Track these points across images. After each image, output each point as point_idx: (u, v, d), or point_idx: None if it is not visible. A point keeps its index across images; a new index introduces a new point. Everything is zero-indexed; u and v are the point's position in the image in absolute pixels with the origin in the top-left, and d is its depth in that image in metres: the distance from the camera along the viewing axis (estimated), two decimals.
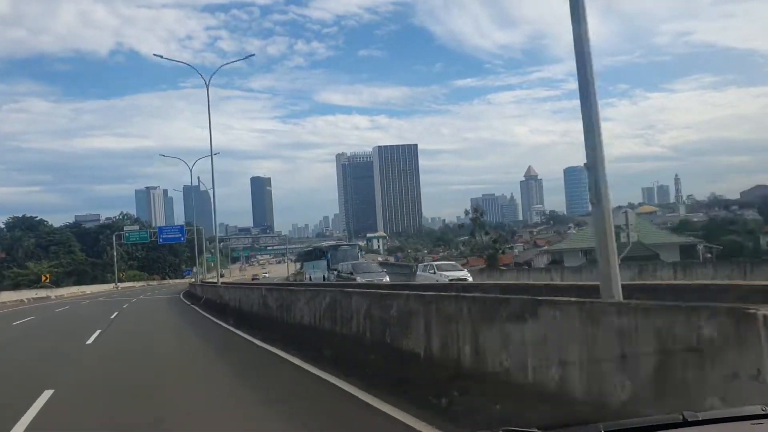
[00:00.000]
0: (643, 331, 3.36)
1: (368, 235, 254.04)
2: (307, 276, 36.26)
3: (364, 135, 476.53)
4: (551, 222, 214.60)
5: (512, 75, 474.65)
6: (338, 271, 26.01)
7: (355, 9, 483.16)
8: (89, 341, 13.20)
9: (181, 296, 40.67)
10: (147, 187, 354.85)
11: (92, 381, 8.25)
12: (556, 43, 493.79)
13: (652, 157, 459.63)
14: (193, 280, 73.48)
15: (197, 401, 6.52)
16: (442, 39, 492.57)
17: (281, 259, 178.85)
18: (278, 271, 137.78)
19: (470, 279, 21.64)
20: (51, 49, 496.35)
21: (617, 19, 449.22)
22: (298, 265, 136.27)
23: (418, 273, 24.62)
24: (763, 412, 1.80)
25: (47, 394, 6.95)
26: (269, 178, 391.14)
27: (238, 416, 5.74)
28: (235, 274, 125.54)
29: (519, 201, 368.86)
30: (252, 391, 6.82)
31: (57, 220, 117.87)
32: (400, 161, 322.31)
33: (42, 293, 51.92)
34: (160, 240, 78.75)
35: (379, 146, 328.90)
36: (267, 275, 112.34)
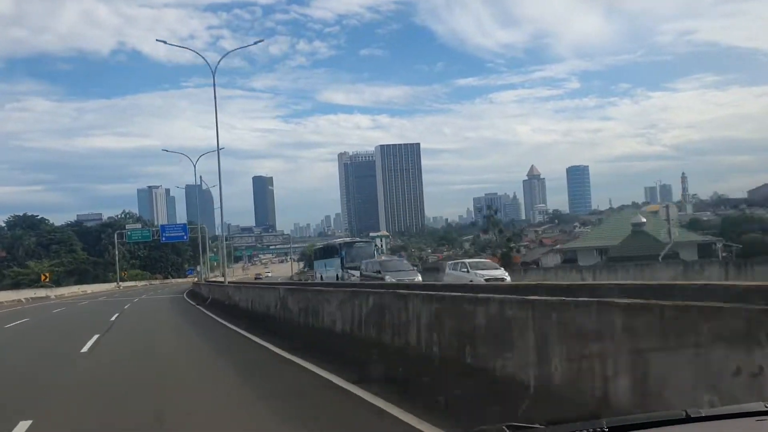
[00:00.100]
0: None
1: (371, 234, 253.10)
2: (318, 275, 34.55)
3: (366, 134, 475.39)
4: (556, 221, 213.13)
5: (514, 74, 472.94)
6: (362, 270, 23.85)
7: (357, 8, 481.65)
8: (84, 349, 11.59)
9: (185, 296, 39.19)
10: (149, 186, 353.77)
11: (83, 406, 6.63)
12: (558, 42, 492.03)
13: (654, 156, 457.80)
14: (196, 279, 72.18)
15: None
16: (443, 38, 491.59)
17: (284, 258, 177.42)
18: (281, 270, 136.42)
19: (508, 279, 19.83)
20: (53, 49, 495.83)
21: (620, 18, 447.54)
22: (301, 264, 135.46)
23: (448, 272, 22.45)
24: (766, 409, 1.78)
25: (23, 426, 5.39)
26: (271, 178, 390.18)
27: None
28: (238, 273, 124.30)
29: (522, 200, 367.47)
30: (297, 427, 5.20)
31: (59, 220, 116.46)
32: (403, 160, 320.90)
33: (41, 293, 50.43)
34: (163, 238, 77.32)
35: (381, 145, 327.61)
36: (270, 274, 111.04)
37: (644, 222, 52.86)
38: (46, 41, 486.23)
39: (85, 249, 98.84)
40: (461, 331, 5.20)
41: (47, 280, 57.08)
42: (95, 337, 13.80)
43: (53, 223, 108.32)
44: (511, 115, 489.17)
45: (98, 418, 5.94)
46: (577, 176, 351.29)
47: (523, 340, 4.31)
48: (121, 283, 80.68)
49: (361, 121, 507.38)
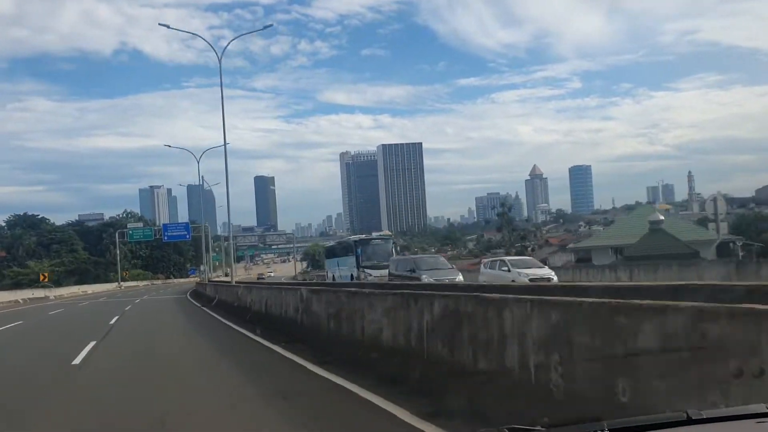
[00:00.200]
0: None
1: (373, 233, 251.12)
2: (330, 275, 32.75)
3: (368, 134, 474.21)
4: (561, 220, 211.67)
5: (516, 74, 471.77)
6: (391, 270, 21.64)
7: (358, 8, 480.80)
8: (77, 360, 9.93)
9: (189, 296, 37.60)
10: (151, 186, 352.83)
11: None
12: (559, 42, 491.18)
13: (656, 156, 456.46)
14: (199, 279, 70.68)
15: None
16: (445, 38, 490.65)
17: (286, 258, 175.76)
18: (283, 270, 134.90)
19: (555, 279, 17.98)
20: (55, 49, 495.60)
21: (621, 17, 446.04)
22: (304, 264, 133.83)
23: (483, 271, 20.50)
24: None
25: None
26: (273, 178, 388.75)
27: None
28: (240, 273, 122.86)
29: (524, 200, 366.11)
30: None
31: (61, 220, 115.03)
32: (405, 160, 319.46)
33: (40, 293, 48.83)
34: (165, 238, 75.81)
35: (383, 145, 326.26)
36: (272, 274, 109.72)
37: (662, 219, 51.34)
38: (47, 41, 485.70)
39: (86, 249, 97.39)
40: (609, 354, 3.56)
41: (46, 280, 55.52)
42: (91, 344, 12.16)
43: (54, 223, 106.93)
44: (512, 115, 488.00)
45: None
46: (580, 176, 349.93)
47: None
48: (122, 283, 79.28)
49: (362, 121, 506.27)
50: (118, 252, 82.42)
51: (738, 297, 5.11)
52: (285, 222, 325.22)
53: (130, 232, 78.89)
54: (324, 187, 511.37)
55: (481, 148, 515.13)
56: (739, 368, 2.82)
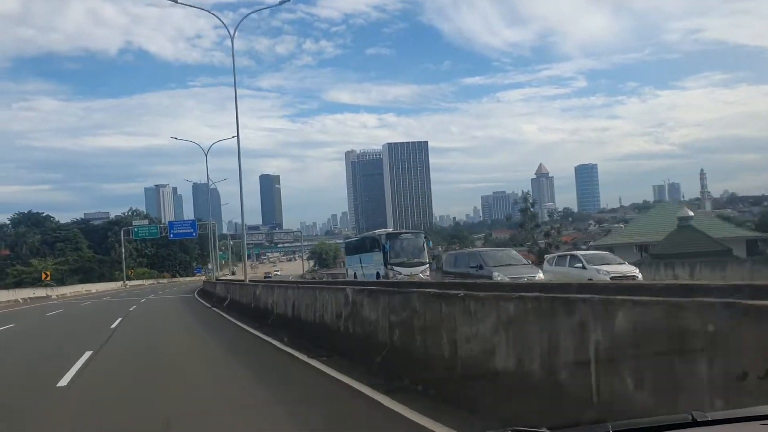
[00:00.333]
0: None
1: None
2: (351, 273, 30.42)
3: (373, 133, 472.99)
4: (570, 219, 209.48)
5: (521, 73, 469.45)
6: (445, 268, 18.35)
7: (363, 7, 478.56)
8: (63, 381, 7.68)
9: (197, 296, 35.53)
10: (156, 185, 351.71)
11: None
12: (565, 40, 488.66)
13: (662, 155, 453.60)
14: (205, 278, 68.73)
15: None
16: (450, 37, 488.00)
17: (291, 257, 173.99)
18: (290, 268, 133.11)
19: (640, 277, 15.47)
20: (60, 48, 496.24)
21: (627, 16, 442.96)
22: (311, 262, 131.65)
23: (548, 268, 17.28)
24: None
25: None
26: (278, 176, 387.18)
27: None
28: (247, 271, 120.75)
29: (530, 199, 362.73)
30: None
31: (66, 219, 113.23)
32: (411, 158, 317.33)
33: (41, 292, 46.85)
34: (171, 235, 73.84)
35: (389, 143, 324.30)
36: (279, 273, 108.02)
37: (692, 216, 49.30)
38: (53, 40, 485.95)
39: (91, 247, 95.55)
40: None
41: (48, 278, 53.54)
42: (85, 356, 10.00)
43: (58, 221, 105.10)
44: (518, 114, 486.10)
45: None
46: (586, 175, 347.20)
47: None
48: (127, 282, 77.54)
49: (367, 120, 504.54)
50: (123, 250, 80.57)
51: None
52: (290, 221, 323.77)
53: (136, 229, 76.97)
54: (329, 186, 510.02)
55: (486, 147, 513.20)
56: None
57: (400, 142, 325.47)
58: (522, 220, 49.03)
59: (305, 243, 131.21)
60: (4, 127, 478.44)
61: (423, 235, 28.49)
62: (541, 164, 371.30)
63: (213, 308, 22.93)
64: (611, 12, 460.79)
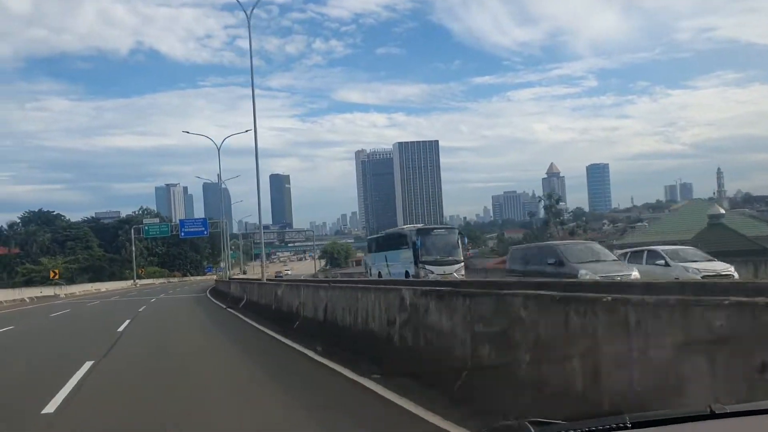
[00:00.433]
0: None
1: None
2: (375, 272, 28.56)
3: (382, 133, 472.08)
4: (583, 218, 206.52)
5: (531, 72, 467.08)
6: (511, 265, 15.40)
7: (374, 7, 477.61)
8: (49, 407, 5.93)
9: (209, 295, 33.99)
10: (167, 184, 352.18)
11: None
12: (575, 39, 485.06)
13: (673, 154, 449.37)
14: (216, 277, 67.37)
15: None
16: (460, 36, 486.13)
17: (302, 256, 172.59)
18: (301, 268, 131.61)
19: (736, 275, 13.65)
20: (72, 48, 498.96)
21: (638, 15, 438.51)
22: (322, 262, 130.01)
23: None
24: None
25: None
26: (288, 176, 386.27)
27: None
28: (257, 270, 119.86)
29: (555, 196, 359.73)
30: None
31: (77, 218, 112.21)
32: (421, 158, 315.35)
33: (49, 291, 45.49)
34: (182, 234, 72.54)
35: (399, 142, 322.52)
36: (289, 272, 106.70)
37: (723, 214, 47.40)
38: (65, 41, 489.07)
39: (101, 246, 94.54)
40: None
41: (57, 277, 52.25)
42: (84, 368, 8.36)
43: (69, 219, 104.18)
44: (528, 113, 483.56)
45: None
46: (597, 174, 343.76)
47: None
48: (138, 280, 76.39)
49: (377, 120, 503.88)
50: (133, 249, 79.43)
51: None
52: (299, 220, 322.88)
53: (146, 227, 75.79)
54: (338, 185, 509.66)
55: (496, 146, 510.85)
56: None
57: (411, 142, 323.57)
58: (546, 217, 47.04)
59: (315, 243, 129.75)
60: (17, 127, 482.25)
61: (457, 231, 26.58)
62: (552, 164, 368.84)
63: (228, 309, 21.30)
64: (621, 11, 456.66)
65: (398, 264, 25.80)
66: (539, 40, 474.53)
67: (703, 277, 11.94)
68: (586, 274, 11.44)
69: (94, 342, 12.33)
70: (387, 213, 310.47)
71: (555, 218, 46.92)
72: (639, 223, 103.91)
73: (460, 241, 25.26)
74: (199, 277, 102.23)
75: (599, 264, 12.35)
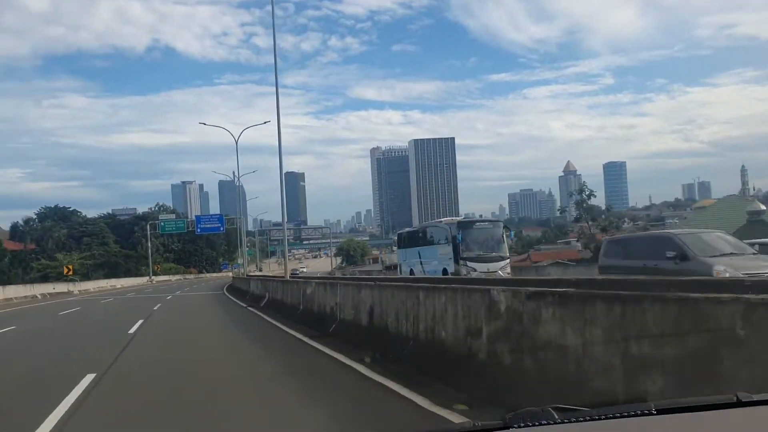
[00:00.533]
0: None
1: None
2: (406, 269, 26.49)
3: (397, 130, 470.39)
4: (603, 216, 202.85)
5: (547, 69, 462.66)
6: (611, 260, 12.30)
7: (389, 4, 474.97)
8: None
9: (227, 293, 32.54)
10: (183, 182, 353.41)
11: None
12: (592, 37, 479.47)
13: (691, 152, 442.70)
14: (233, 274, 66.21)
15: None
16: (476, 33, 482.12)
17: (317, 253, 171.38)
18: (316, 265, 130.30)
19: None
20: (89, 46, 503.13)
21: (656, 11, 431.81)
22: (338, 259, 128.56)
23: (734, 262, 10.34)
24: None
25: None
26: (303, 173, 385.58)
27: None
28: (273, 268, 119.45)
29: (557, 196, 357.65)
30: None
31: (94, 215, 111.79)
32: (437, 155, 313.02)
33: (63, 287, 44.38)
34: (198, 230, 71.45)
35: (415, 140, 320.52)
36: (305, 270, 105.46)
37: (764, 210, 45.04)
38: (82, 39, 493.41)
39: (117, 242, 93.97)
40: None
41: (71, 273, 51.17)
42: (83, 385, 6.71)
43: (85, 216, 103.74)
44: (544, 111, 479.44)
45: None
46: (614, 172, 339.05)
47: None
48: (153, 277, 75.49)
49: (392, 117, 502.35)
50: (149, 245, 78.56)
51: None
52: (314, 218, 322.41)
53: (162, 223, 74.81)
54: (353, 183, 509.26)
55: (512, 144, 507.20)
56: None
57: (427, 139, 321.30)
58: (578, 213, 44.82)
59: (330, 241, 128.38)
60: (35, 124, 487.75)
61: (502, 225, 24.52)
62: (568, 161, 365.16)
63: (249, 308, 19.69)
64: (639, 7, 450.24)
65: (434, 261, 23.86)
66: (556, 37, 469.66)
67: None
68: (724, 271, 9.11)
69: (100, 348, 10.74)
70: (402, 211, 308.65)
71: (587, 214, 44.55)
72: (669, 221, 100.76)
73: (505, 236, 23.21)
74: (215, 274, 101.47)
75: (736, 258, 9.82)
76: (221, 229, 73.63)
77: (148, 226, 79.04)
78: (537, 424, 1.59)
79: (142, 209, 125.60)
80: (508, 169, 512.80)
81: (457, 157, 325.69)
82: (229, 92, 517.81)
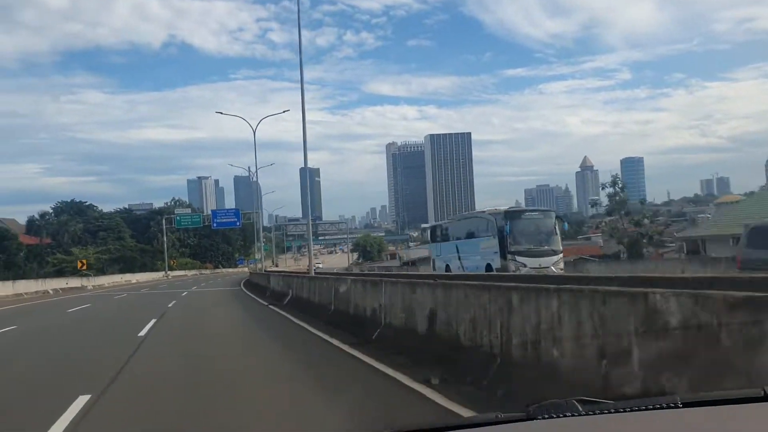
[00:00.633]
0: None
1: (422, 225, 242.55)
2: (440, 265, 24.47)
3: (412, 125, 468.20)
4: (622, 212, 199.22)
5: (564, 65, 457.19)
6: (749, 255, 10.18)
7: None
8: None
9: (244, 289, 31.07)
10: (199, 177, 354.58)
11: None
12: (608, 31, 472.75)
13: (709, 148, 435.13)
14: (249, 269, 65.01)
15: None
16: (491, 28, 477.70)
17: (332, 249, 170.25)
18: (332, 261, 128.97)
19: None
20: (107, 42, 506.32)
21: (674, 5, 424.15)
22: (355, 255, 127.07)
23: None
24: None
25: None
26: (318, 169, 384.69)
27: None
28: (289, 263, 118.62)
29: (574, 192, 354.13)
30: None
31: (110, 210, 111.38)
32: (453, 150, 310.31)
33: (76, 282, 43.23)
34: (214, 224, 70.31)
35: (431, 135, 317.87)
36: (320, 266, 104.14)
37: None
38: (100, 35, 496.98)
39: (133, 236, 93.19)
40: None
41: (85, 267, 50.08)
42: (73, 410, 5.12)
43: (101, 210, 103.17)
44: (560, 106, 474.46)
45: None
46: (632, 168, 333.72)
47: None
48: (169, 272, 74.56)
49: (407, 112, 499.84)
50: (165, 239, 77.66)
51: None
52: (329, 214, 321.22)
53: (178, 218, 73.79)
54: (368, 179, 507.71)
55: (528, 139, 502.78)
56: None
57: (443, 134, 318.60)
58: (610, 207, 42.61)
59: (346, 236, 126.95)
60: (53, 120, 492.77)
61: (554, 214, 22.16)
62: (585, 157, 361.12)
63: (271, 306, 18.07)
64: (657, 1, 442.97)
65: (475, 256, 21.75)
66: (572, 32, 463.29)
67: None
68: None
69: (103, 355, 9.16)
70: (417, 207, 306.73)
71: (619, 207, 42.34)
72: (701, 215, 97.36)
73: (557, 227, 20.81)
74: (231, 269, 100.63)
75: None
76: (237, 223, 72.43)
77: (164, 221, 78.19)
78: (561, 415, 1.54)
79: (158, 204, 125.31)
80: (523, 165, 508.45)
81: (473, 153, 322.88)
82: (245, 87, 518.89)
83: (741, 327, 3.18)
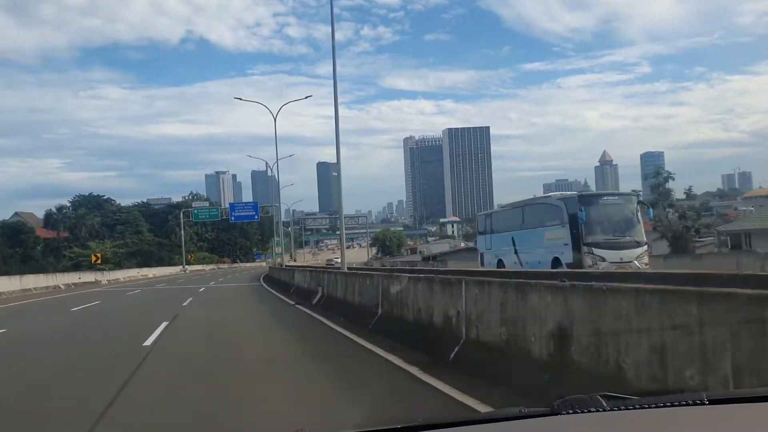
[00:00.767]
0: None
1: (441, 220, 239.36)
2: (490, 260, 21.76)
3: (430, 120, 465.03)
4: (647, 206, 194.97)
5: (582, 58, 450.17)
6: None
7: None
8: None
9: (264, 284, 29.05)
10: (216, 172, 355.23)
11: None
12: (628, 25, 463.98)
13: (731, 142, 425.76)
14: (266, 264, 63.22)
15: None
16: (509, 22, 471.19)
17: (350, 244, 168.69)
18: (349, 256, 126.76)
19: None
20: (125, 38, 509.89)
21: None
22: (374, 249, 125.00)
23: None
24: None
25: None
26: (335, 164, 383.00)
27: None
28: (307, 258, 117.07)
29: (593, 187, 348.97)
30: None
31: (128, 204, 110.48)
32: (471, 144, 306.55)
33: (90, 277, 41.58)
34: (232, 218, 68.47)
35: (449, 129, 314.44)
36: (338, 260, 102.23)
37: None
38: (118, 30, 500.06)
39: (151, 230, 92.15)
40: None
41: (99, 262, 48.51)
42: None
43: (119, 204, 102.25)
44: (579, 101, 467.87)
45: None
46: (652, 163, 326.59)
47: None
48: (187, 266, 73.09)
49: (424, 107, 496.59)
50: (182, 233, 76.19)
51: None
52: (345, 209, 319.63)
53: (195, 211, 72.12)
54: (385, 173, 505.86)
55: (546, 134, 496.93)
56: None
57: (461, 128, 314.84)
58: (654, 198, 39.81)
59: (363, 231, 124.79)
60: (73, 115, 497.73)
61: (635, 199, 18.48)
62: (605, 151, 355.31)
63: (298, 306, 15.87)
64: None
65: (539, 249, 18.66)
66: (591, 25, 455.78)
67: None
68: None
69: (97, 372, 6.99)
70: (435, 201, 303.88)
71: (664, 199, 39.56)
72: (742, 209, 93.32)
73: (639, 213, 17.68)
74: (248, 264, 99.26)
75: None
76: (256, 217, 70.61)
77: (181, 214, 76.77)
78: (585, 411, 1.54)
79: (176, 199, 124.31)
80: (542, 160, 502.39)
81: (491, 147, 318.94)
82: (262, 83, 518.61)
83: None
